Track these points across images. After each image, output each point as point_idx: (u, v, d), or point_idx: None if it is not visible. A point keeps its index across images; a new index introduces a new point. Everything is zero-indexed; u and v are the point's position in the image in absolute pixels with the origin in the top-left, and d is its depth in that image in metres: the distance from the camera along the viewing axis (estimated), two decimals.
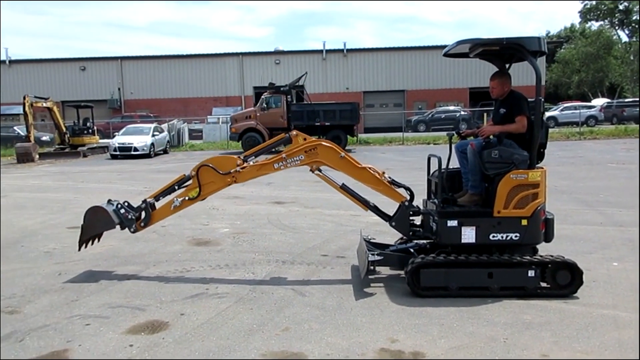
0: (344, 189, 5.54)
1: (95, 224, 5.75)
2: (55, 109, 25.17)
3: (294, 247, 6.91)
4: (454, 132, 5.77)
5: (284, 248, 6.87)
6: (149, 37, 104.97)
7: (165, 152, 26.05)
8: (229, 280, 5.56)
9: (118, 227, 5.74)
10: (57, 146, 26.44)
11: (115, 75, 43.52)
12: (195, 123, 35.70)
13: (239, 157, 5.65)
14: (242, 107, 40.06)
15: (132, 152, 23.18)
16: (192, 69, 43.45)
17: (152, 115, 37.47)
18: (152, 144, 24.14)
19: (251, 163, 5.61)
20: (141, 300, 4.96)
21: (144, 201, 5.71)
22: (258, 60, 43.49)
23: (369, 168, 5.41)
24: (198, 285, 5.38)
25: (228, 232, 7.91)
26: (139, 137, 24.02)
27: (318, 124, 23.87)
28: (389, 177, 5.51)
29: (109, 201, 5.79)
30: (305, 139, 5.59)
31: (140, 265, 6.20)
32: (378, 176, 5.42)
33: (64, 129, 25.82)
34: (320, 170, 5.53)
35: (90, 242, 5.93)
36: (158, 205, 5.78)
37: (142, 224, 5.71)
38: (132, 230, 5.71)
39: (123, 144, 23.62)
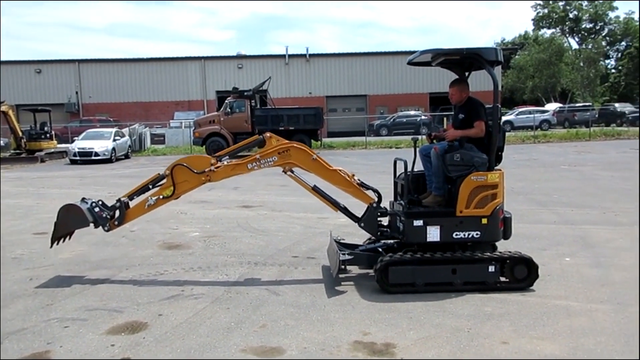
0: (316, 190, 5.73)
1: (68, 222, 5.75)
2: (10, 112, 24.49)
3: (265, 249, 7.07)
4: (418, 137, 6.05)
5: (255, 250, 7.02)
6: (108, 39, 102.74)
7: (126, 157, 25.66)
8: (203, 281, 5.69)
9: (92, 225, 5.73)
10: (12, 151, 25.69)
11: (72, 78, 42.47)
12: (157, 127, 35.23)
13: (212, 156, 5.77)
14: (204, 111, 39.80)
15: (93, 157, 22.76)
16: (153, 73, 42.86)
17: (111, 119, 36.73)
18: (114, 148, 23.77)
19: (225, 163, 5.73)
20: (117, 302, 5.03)
21: (118, 200, 5.76)
22: (220, 64, 43.29)
23: (340, 170, 5.64)
24: (173, 287, 5.49)
25: (198, 235, 8.00)
26: (99, 142, 23.61)
27: (282, 128, 24.03)
28: (359, 180, 5.74)
29: (83, 199, 5.80)
30: (278, 141, 5.75)
31: (112, 269, 6.24)
32: (348, 178, 5.64)
33: (20, 134, 25.14)
34: (292, 172, 5.71)
35: (62, 240, 5.91)
36: (132, 204, 5.83)
37: (116, 223, 5.74)
38: (105, 228, 5.73)
39: (83, 148, 23.16)
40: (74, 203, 5.75)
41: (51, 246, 5.87)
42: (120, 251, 7.11)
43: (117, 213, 5.74)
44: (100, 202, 5.76)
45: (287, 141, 5.73)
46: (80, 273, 6.10)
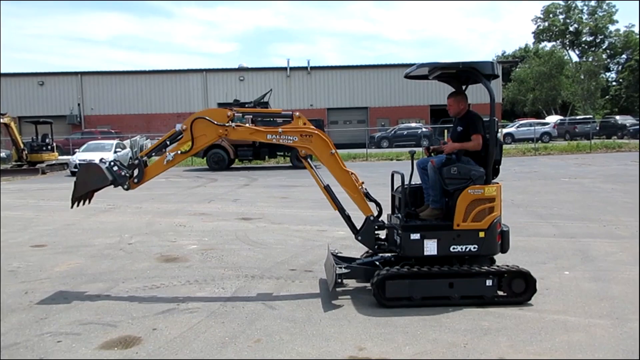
0: (327, 190, 5.62)
1: (87, 181, 5.66)
2: (12, 124, 24.53)
3: (263, 262, 7.04)
4: (415, 149, 6.05)
5: (252, 263, 6.99)
6: (110, 51, 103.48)
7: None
8: (199, 295, 5.65)
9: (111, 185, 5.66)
10: (14, 163, 25.73)
11: (75, 90, 42.74)
12: (158, 139, 35.23)
13: (229, 108, 5.68)
14: None
15: None
16: (155, 85, 43.12)
17: (113, 131, 36.87)
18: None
19: (246, 125, 5.64)
20: (112, 316, 5.00)
21: (137, 158, 5.67)
22: (222, 76, 43.54)
23: (352, 173, 5.60)
24: (168, 301, 5.45)
25: (196, 248, 7.97)
26: (100, 154, 23.54)
27: None
28: (365, 189, 5.67)
29: (101, 160, 5.74)
30: (305, 124, 5.63)
31: (108, 282, 6.21)
32: (357, 184, 5.60)
33: (22, 146, 25.18)
34: (309, 160, 5.63)
35: (82, 202, 5.81)
36: (150, 162, 5.76)
37: (136, 181, 5.65)
38: (125, 187, 5.64)
39: (84, 160, 23.15)
40: (93, 161, 5.66)
41: (71, 207, 5.79)
42: (117, 264, 7.08)
43: (136, 171, 5.64)
44: (118, 162, 5.65)
45: (312, 126, 5.61)
46: (76, 286, 6.06)
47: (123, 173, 5.59)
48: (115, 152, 24.23)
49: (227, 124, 5.55)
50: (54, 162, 26.34)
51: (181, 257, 7.41)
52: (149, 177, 5.71)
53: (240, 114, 5.87)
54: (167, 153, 5.63)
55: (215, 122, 5.53)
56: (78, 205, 5.81)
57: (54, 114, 39.16)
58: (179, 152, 5.61)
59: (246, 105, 25.21)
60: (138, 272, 6.62)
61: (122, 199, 14.10)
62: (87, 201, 5.89)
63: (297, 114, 5.69)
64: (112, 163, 5.62)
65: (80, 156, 23.62)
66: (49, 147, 26.48)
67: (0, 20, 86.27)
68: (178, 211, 11.75)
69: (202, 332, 4.55)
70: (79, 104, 42.65)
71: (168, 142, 5.69)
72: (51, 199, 14.64)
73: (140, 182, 5.68)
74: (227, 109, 5.67)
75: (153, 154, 5.79)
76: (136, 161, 5.63)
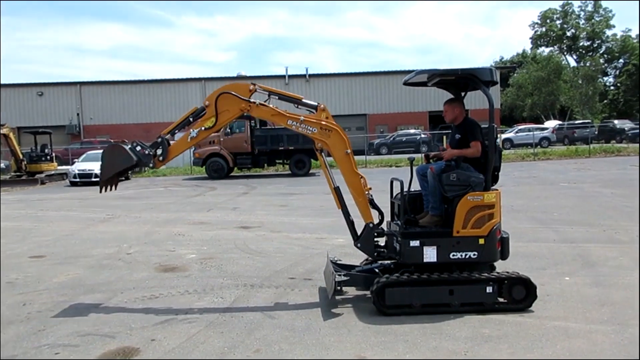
0: (337, 191, 5.61)
1: (114, 162, 5.63)
2: (11, 135, 24.55)
3: (262, 271, 7.01)
4: (414, 156, 6.03)
5: (251, 272, 6.96)
6: (110, 61, 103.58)
7: (127, 178, 25.64)
8: (198, 305, 5.61)
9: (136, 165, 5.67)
10: (13, 174, 25.73)
11: (74, 100, 42.83)
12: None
13: (251, 83, 5.64)
14: None
15: (93, 179, 22.75)
16: (154, 94, 43.21)
17: (112, 141, 36.81)
18: None
19: (271, 106, 5.63)
20: (110, 327, 4.96)
21: (160, 136, 5.65)
22: (221, 84, 43.19)
23: (361, 177, 5.57)
24: (167, 311, 5.42)
25: (195, 257, 7.94)
26: (99, 164, 23.58)
27: (282, 148, 24.08)
28: (371, 195, 5.65)
29: (123, 141, 5.70)
30: (328, 118, 5.62)
31: (107, 293, 6.18)
32: (364, 188, 5.58)
33: (21, 156, 25.18)
34: (323, 154, 5.63)
35: (110, 188, 5.79)
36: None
37: (161, 159, 5.62)
38: (150, 165, 5.64)
39: (83, 170, 23.21)
40: (117, 142, 5.63)
41: (100, 191, 5.81)
42: (115, 274, 7.04)
43: (160, 150, 5.61)
44: (140, 142, 5.63)
45: (334, 122, 5.60)
46: (74, 297, 6.03)
47: (147, 152, 5.58)
48: None
49: (251, 100, 5.55)
50: (53, 172, 26.34)
51: (180, 267, 7.38)
52: (173, 154, 5.70)
53: (266, 93, 5.83)
54: (191, 130, 5.60)
55: (240, 97, 5.52)
56: (106, 191, 5.80)
57: (53, 124, 39.24)
58: (203, 128, 5.59)
59: (245, 114, 25.28)
60: (137, 282, 6.59)
61: (121, 208, 14.09)
62: (114, 187, 5.84)
63: (322, 106, 5.70)
64: (134, 143, 5.62)
65: (80, 166, 23.65)
66: (48, 157, 26.48)
67: (0, 25, 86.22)
68: (177, 220, 11.73)
69: (201, 343, 4.52)
70: (78, 114, 42.72)
71: (191, 119, 5.65)
72: (50, 209, 14.61)
73: (165, 160, 5.67)
74: (250, 83, 5.64)
75: (176, 131, 5.75)
76: (159, 139, 5.62)
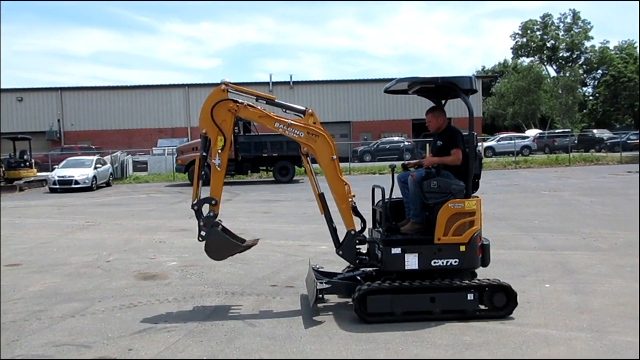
0: (321, 198, 5.58)
1: (220, 250, 5.61)
2: None
3: (243, 278, 6.94)
4: (395, 163, 6.03)
5: (233, 280, 6.89)
6: (92, 67, 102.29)
7: (108, 184, 25.35)
8: (177, 313, 5.53)
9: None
10: None
11: (54, 106, 42.28)
12: (139, 155, 34.97)
13: (222, 83, 5.61)
14: (188, 138, 39.71)
15: (73, 186, 22.43)
16: (136, 100, 42.84)
17: (93, 147, 36.42)
18: (95, 176, 23.46)
19: (259, 107, 5.60)
20: (87, 337, 4.85)
21: (193, 207, 5.54)
22: (204, 91, 43.25)
23: (346, 184, 5.55)
24: (146, 320, 5.32)
25: (176, 265, 7.84)
26: (80, 170, 23.31)
27: (266, 155, 23.99)
28: (354, 203, 5.62)
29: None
30: (315, 123, 5.59)
31: (84, 301, 6.05)
32: (348, 195, 5.55)
33: None
34: (309, 159, 5.59)
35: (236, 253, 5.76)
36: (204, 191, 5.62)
37: (213, 202, 5.52)
38: (216, 218, 5.59)
39: (63, 177, 22.84)
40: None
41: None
42: (93, 282, 6.91)
43: (205, 208, 5.53)
44: (200, 223, 5.50)
45: (321, 128, 5.58)
46: (50, 306, 5.89)
47: (210, 217, 5.53)
48: (95, 167, 23.96)
49: (238, 101, 5.51)
50: (32, 178, 25.92)
51: (160, 275, 7.27)
52: (216, 194, 5.55)
53: (254, 97, 5.78)
54: (213, 160, 5.51)
55: (226, 99, 5.48)
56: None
57: (34, 130, 38.65)
58: (219, 151, 5.49)
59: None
60: (115, 291, 6.47)
61: (101, 215, 13.89)
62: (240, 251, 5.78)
63: (310, 111, 5.67)
64: (200, 229, 5.51)
65: (60, 173, 23.29)
66: (28, 163, 26.09)
67: (0, 27, 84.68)
68: (158, 227, 11.59)
69: (180, 352, 4.45)
70: (58, 120, 42.15)
71: (204, 153, 5.53)
72: (28, 217, 14.34)
73: (217, 204, 5.56)
74: (221, 84, 5.60)
75: (200, 183, 5.56)
76: (195, 208, 5.53)
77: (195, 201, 5.54)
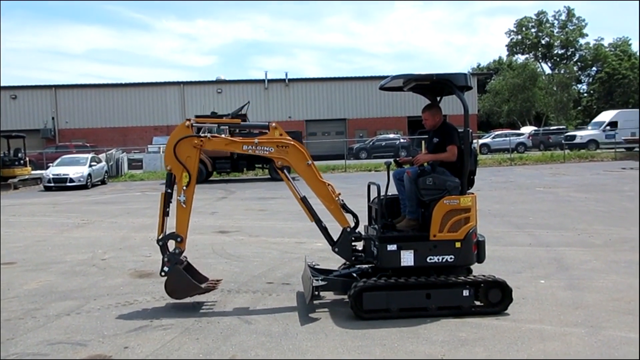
0: (304, 201, 5.58)
1: (179, 289, 5.51)
2: None
3: (239, 275, 6.94)
4: (391, 160, 6.03)
5: (229, 277, 6.88)
6: (88, 64, 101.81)
7: (103, 182, 25.27)
8: (173, 311, 5.52)
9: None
10: None
11: (49, 104, 42.05)
12: (135, 152, 34.86)
13: (186, 119, 5.62)
14: None
15: (68, 184, 22.33)
16: (131, 98, 42.69)
17: (88, 145, 36.24)
18: (89, 174, 23.38)
19: (223, 135, 5.60)
20: (82, 335, 4.84)
21: (158, 241, 5.49)
22: (200, 89, 43.34)
23: (329, 184, 5.56)
24: (141, 317, 5.31)
25: None
26: (75, 168, 23.21)
27: None
28: (342, 200, 5.64)
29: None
30: (281, 135, 5.59)
31: (79, 300, 6.03)
32: (334, 195, 5.55)
33: None
34: (288, 172, 5.58)
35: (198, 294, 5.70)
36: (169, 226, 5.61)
37: (179, 240, 5.47)
38: (181, 255, 5.54)
39: (58, 175, 22.74)
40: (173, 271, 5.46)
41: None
42: (89, 281, 6.89)
43: (171, 244, 5.49)
44: (165, 261, 5.48)
45: (289, 137, 5.58)
46: (45, 305, 5.87)
47: (175, 253, 5.48)
48: (90, 165, 23.86)
49: (201, 135, 5.49)
50: (27, 177, 25.80)
51: (156, 273, 7.17)
52: (182, 230, 5.52)
53: (216, 125, 5.81)
54: (177, 198, 5.50)
55: (188, 136, 5.48)
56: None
57: (28, 128, 38.40)
58: (184, 187, 5.49)
59: (224, 118, 25.14)
60: (111, 289, 6.46)
61: (96, 213, 13.85)
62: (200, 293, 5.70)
63: (274, 124, 5.66)
64: (163, 264, 5.48)
65: (54, 171, 23.19)
66: (22, 161, 25.93)
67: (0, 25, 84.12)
68: (154, 225, 11.45)
69: (176, 350, 4.44)
70: (53, 118, 41.95)
71: (169, 190, 5.55)
72: (23, 215, 14.28)
73: (183, 241, 5.51)
74: (185, 120, 5.63)
75: (166, 219, 5.56)
76: (160, 243, 5.49)
77: (161, 236, 5.51)
